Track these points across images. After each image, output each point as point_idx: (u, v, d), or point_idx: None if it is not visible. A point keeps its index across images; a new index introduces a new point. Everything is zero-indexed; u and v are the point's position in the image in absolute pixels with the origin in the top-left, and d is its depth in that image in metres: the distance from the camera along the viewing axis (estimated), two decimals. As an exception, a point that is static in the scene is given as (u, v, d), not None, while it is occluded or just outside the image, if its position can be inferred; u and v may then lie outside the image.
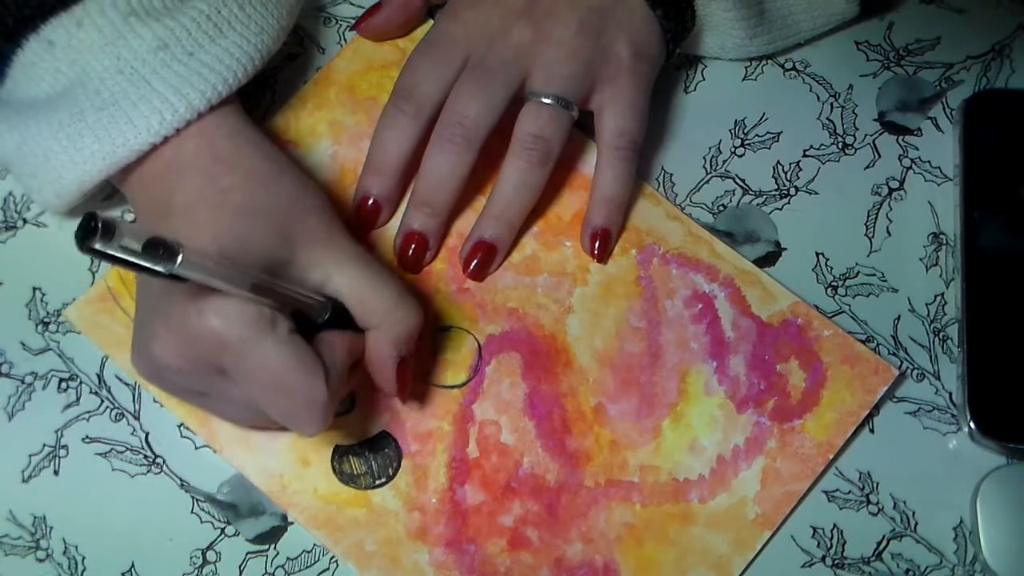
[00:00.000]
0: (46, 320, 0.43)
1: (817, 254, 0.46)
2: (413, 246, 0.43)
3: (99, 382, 0.43)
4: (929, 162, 0.48)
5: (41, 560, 0.41)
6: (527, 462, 0.42)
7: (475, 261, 0.44)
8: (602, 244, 0.44)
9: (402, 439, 0.42)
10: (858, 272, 0.46)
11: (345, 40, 0.49)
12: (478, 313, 0.44)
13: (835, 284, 0.46)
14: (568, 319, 0.44)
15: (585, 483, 0.42)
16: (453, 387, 0.43)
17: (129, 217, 0.44)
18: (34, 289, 0.44)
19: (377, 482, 0.42)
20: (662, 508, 0.42)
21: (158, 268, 0.29)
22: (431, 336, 0.43)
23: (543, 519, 0.41)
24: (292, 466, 0.41)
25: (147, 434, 0.42)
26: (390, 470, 0.42)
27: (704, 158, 0.48)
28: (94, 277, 0.44)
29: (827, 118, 0.49)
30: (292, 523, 0.41)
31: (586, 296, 0.44)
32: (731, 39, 0.47)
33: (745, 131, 0.48)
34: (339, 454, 0.42)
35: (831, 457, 0.42)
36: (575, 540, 0.41)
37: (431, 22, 0.48)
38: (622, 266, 0.45)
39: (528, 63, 0.43)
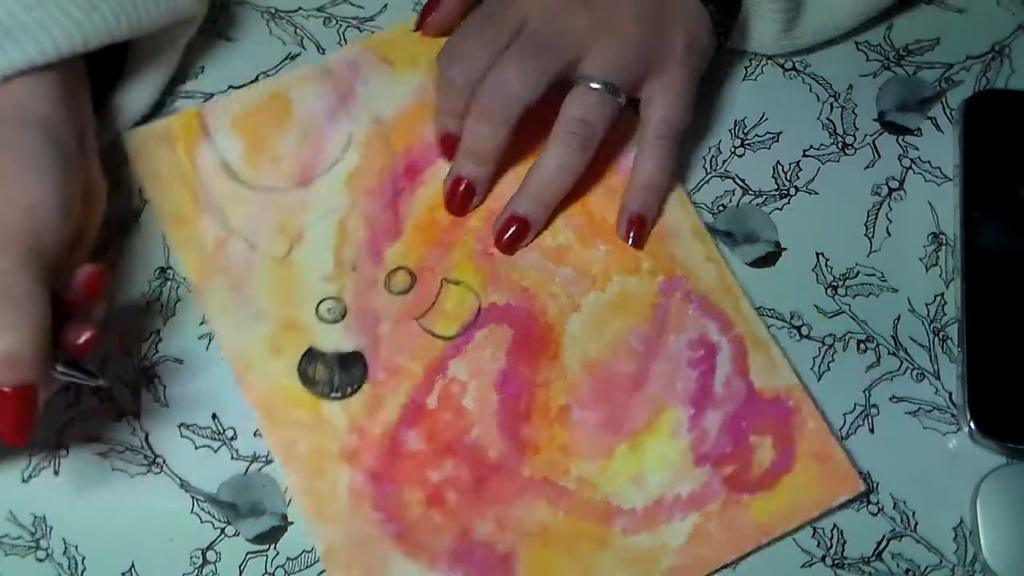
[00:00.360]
0: (46, 320, 0.43)
1: (817, 254, 0.46)
2: (462, 188, 0.44)
3: (99, 382, 0.43)
4: (929, 162, 0.48)
5: (41, 560, 0.41)
6: (476, 432, 0.42)
7: (507, 234, 0.44)
8: (638, 230, 0.45)
9: (373, 365, 0.43)
10: (858, 272, 0.46)
11: (345, 40, 0.49)
12: (490, 279, 0.44)
13: (835, 284, 0.46)
14: (572, 316, 0.44)
15: (522, 472, 0.42)
16: (439, 337, 0.43)
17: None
18: (34, 289, 0.44)
19: (332, 395, 0.42)
20: (583, 524, 0.41)
21: None
22: (439, 283, 0.44)
23: (468, 489, 0.41)
24: (263, 349, 0.43)
25: (147, 434, 0.42)
26: (349, 389, 0.42)
27: (704, 158, 0.48)
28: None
29: (827, 118, 0.49)
30: (292, 523, 0.41)
31: (598, 302, 0.44)
32: (770, 33, 0.47)
33: (745, 131, 0.48)
34: (309, 357, 0.43)
35: (763, 542, 0.41)
36: (488, 520, 0.41)
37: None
38: (644, 288, 0.44)
39: (582, 48, 0.43)
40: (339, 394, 0.42)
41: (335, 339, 0.43)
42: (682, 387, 0.43)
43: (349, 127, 0.46)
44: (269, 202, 0.45)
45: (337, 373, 0.42)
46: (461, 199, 0.45)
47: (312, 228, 0.45)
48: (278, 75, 0.47)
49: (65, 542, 0.41)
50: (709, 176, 0.47)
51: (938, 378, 0.45)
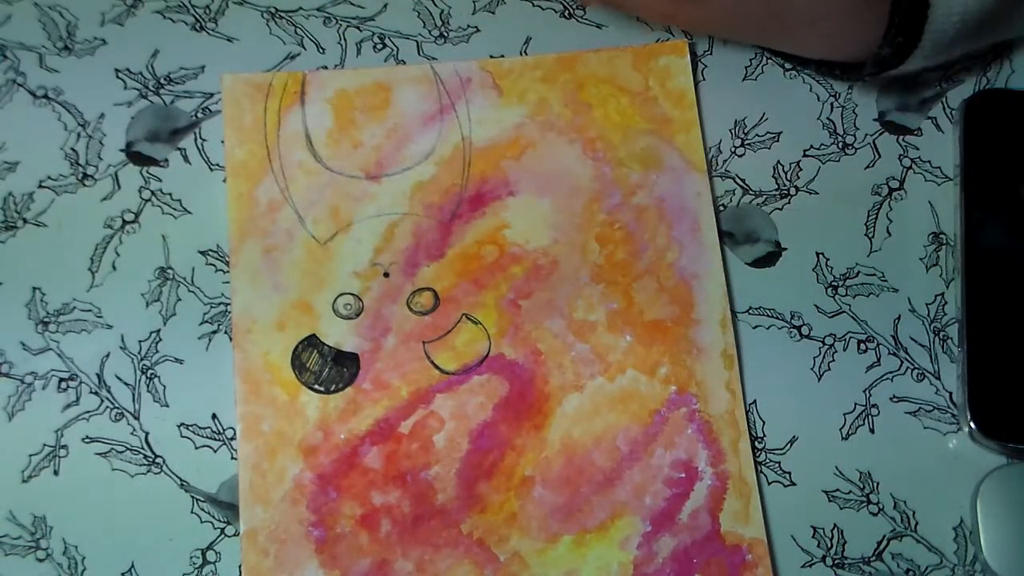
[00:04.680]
0: (46, 320, 0.43)
1: (817, 254, 0.46)
2: None
3: (99, 382, 0.43)
4: (929, 162, 0.48)
5: (41, 560, 0.41)
6: (434, 471, 0.42)
7: None
8: None
9: (364, 373, 0.43)
10: (858, 272, 0.46)
11: (345, 40, 0.49)
12: (509, 330, 0.44)
13: (835, 284, 0.46)
14: (572, 395, 0.43)
15: (461, 526, 0.41)
16: (438, 368, 0.43)
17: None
18: (34, 289, 0.44)
19: (316, 386, 0.42)
20: None
21: None
22: (459, 316, 0.44)
23: (403, 522, 0.41)
24: (269, 318, 0.43)
25: (147, 434, 0.42)
26: (334, 386, 0.42)
27: (704, 158, 0.48)
28: (94, 277, 0.44)
29: (827, 118, 0.49)
30: (292, 523, 0.41)
31: (602, 390, 0.43)
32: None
33: (745, 131, 0.48)
34: (308, 342, 0.43)
35: None
36: (410, 560, 0.41)
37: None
38: (653, 392, 0.43)
39: None
40: (323, 388, 0.42)
41: (339, 334, 0.43)
42: (650, 502, 0.42)
43: (437, 138, 0.46)
44: (333, 184, 0.45)
45: (329, 368, 0.43)
46: None
47: (362, 222, 0.45)
48: (387, 68, 0.47)
49: (65, 542, 0.41)
50: (710, 176, 0.47)
51: (938, 378, 0.45)
